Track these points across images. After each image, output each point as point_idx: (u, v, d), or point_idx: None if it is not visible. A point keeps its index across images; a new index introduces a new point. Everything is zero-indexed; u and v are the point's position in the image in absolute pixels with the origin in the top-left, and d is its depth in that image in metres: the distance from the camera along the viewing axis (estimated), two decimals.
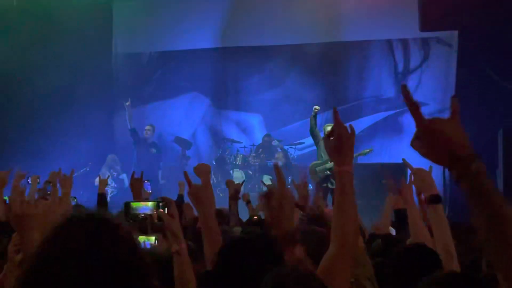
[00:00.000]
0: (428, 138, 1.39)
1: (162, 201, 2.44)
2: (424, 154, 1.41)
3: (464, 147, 1.34)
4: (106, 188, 5.80)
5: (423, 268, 2.52)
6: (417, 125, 1.40)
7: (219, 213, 4.92)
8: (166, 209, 2.39)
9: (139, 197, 4.39)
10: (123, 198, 5.55)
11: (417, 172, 3.22)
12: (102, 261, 1.34)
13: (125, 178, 12.17)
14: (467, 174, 1.31)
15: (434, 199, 2.83)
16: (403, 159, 3.70)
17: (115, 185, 12.09)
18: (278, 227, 2.09)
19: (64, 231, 1.40)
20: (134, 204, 2.58)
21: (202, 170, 3.73)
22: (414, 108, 1.39)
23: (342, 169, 2.13)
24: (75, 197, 8.44)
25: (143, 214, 2.52)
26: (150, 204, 2.50)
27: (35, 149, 11.57)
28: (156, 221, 2.39)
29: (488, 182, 1.30)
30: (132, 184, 4.70)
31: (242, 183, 6.46)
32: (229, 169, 12.42)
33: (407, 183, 3.75)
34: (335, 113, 2.19)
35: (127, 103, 11.75)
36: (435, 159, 1.39)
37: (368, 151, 10.53)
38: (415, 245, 2.99)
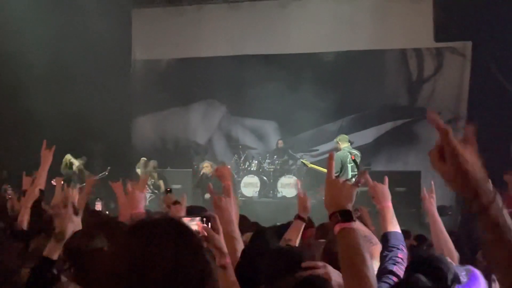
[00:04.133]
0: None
1: (205, 216, 2.39)
2: (448, 180, 1.35)
3: (487, 181, 1.33)
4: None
5: None
6: (446, 150, 1.34)
7: (243, 220, 4.91)
8: (209, 224, 2.33)
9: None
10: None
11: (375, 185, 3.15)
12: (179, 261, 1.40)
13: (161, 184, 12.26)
14: (490, 208, 1.30)
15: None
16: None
17: (155, 190, 12.19)
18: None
19: (142, 233, 1.44)
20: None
21: (224, 173, 3.84)
22: (443, 132, 1.33)
23: (344, 226, 1.90)
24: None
25: None
26: (196, 219, 2.40)
27: (54, 152, 11.71)
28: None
29: (505, 217, 1.31)
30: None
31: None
32: (244, 175, 12.54)
33: (429, 192, 3.67)
34: (330, 159, 2.03)
35: None
36: (458, 189, 1.34)
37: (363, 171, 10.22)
38: None
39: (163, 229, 1.45)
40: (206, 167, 11.44)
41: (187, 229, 1.50)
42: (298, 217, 3.77)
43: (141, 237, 1.43)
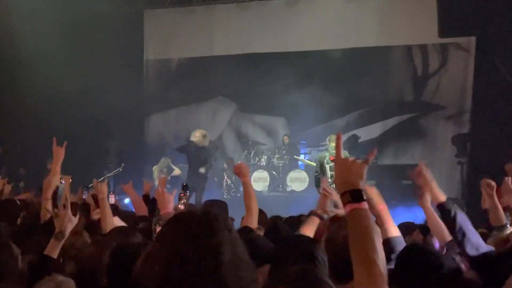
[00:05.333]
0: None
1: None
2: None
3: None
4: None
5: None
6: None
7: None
8: None
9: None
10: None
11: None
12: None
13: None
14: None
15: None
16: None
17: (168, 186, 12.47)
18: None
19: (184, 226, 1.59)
20: None
21: (242, 171, 4.11)
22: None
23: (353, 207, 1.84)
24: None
25: None
26: None
27: (67, 149, 11.96)
28: None
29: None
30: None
31: None
32: (254, 170, 12.79)
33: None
34: (338, 139, 2.04)
35: None
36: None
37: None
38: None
39: (212, 223, 1.59)
40: (197, 137, 10.71)
41: (228, 222, 1.65)
42: (315, 213, 3.69)
43: (191, 231, 1.57)
